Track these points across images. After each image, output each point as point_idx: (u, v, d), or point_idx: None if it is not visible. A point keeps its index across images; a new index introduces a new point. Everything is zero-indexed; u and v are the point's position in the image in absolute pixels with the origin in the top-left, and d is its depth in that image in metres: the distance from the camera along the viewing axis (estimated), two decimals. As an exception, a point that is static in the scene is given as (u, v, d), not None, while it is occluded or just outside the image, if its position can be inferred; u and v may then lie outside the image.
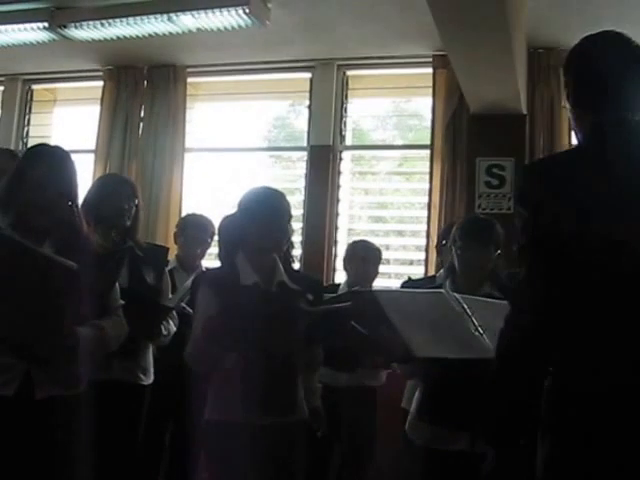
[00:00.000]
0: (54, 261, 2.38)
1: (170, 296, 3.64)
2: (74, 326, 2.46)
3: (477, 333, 2.58)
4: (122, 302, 2.82)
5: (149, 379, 3.53)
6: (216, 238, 3.73)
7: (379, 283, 5.64)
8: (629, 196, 1.81)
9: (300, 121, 6.49)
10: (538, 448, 1.89)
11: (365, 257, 4.26)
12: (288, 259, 3.07)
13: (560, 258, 1.84)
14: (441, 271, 3.83)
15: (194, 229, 4.36)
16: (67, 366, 2.44)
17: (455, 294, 2.77)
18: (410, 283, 4.01)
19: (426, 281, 3.99)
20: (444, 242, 4.01)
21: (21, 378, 2.38)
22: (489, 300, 2.84)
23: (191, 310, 3.32)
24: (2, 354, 2.35)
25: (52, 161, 2.59)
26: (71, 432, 2.44)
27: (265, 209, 2.85)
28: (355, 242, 4.48)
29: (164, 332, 3.48)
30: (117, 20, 4.97)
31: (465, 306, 2.68)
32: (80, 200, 2.70)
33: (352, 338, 3.34)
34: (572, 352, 1.84)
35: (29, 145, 6.00)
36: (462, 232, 3.11)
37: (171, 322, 3.54)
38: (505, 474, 1.94)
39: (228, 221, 3.03)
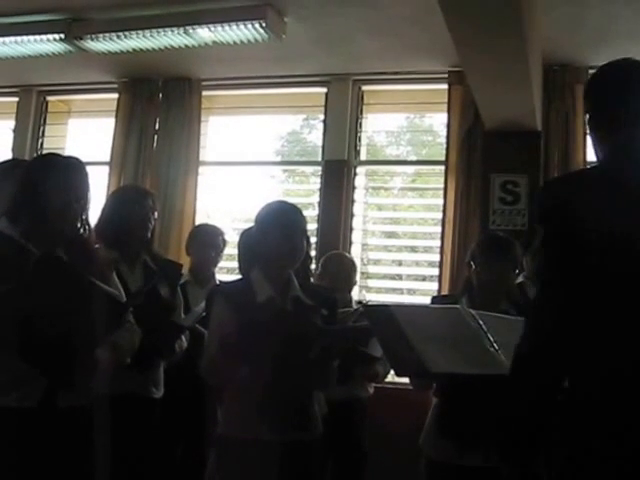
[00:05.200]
0: (108, 294, 2.47)
1: (183, 316, 3.64)
2: (95, 350, 2.53)
3: (492, 349, 2.56)
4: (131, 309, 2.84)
5: (160, 392, 3.52)
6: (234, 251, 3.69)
7: (391, 299, 5.66)
8: None
9: (314, 136, 6.50)
10: (551, 462, 1.89)
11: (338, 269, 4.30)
12: (306, 273, 3.05)
13: (581, 275, 1.84)
14: None
15: (205, 236, 4.39)
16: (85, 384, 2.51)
17: (471, 310, 2.75)
18: (439, 300, 3.93)
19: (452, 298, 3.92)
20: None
21: (43, 390, 2.42)
22: (505, 316, 2.84)
23: (204, 330, 3.31)
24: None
25: (66, 170, 2.60)
26: (89, 442, 2.46)
27: (279, 224, 2.82)
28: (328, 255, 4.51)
29: (177, 349, 3.47)
30: (133, 32, 4.98)
31: (481, 322, 2.66)
32: (93, 211, 2.73)
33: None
34: (592, 367, 1.83)
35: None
36: (481, 249, 3.10)
37: (183, 337, 3.53)
38: None
39: (246, 235, 3.03)
